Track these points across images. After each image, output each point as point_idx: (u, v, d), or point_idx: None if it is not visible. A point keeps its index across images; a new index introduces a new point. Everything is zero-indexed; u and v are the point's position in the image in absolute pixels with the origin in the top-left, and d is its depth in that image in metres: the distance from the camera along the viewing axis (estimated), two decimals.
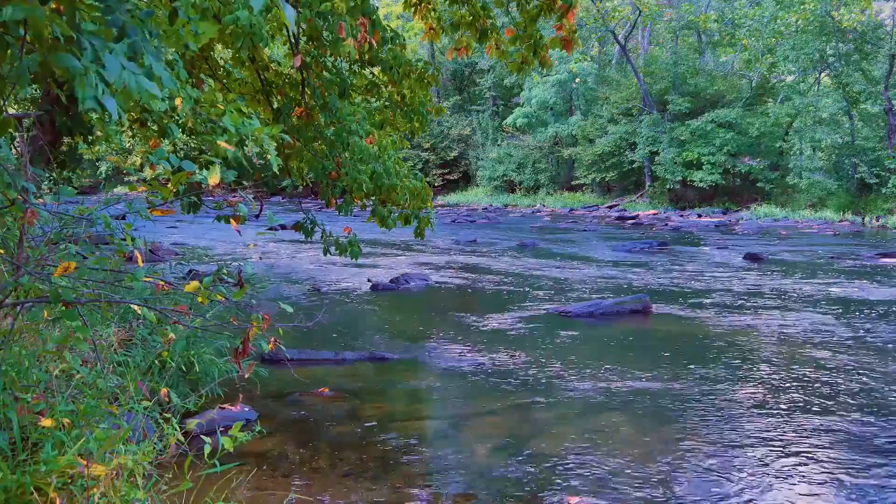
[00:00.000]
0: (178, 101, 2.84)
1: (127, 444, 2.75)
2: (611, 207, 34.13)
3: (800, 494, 3.54)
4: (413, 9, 6.09)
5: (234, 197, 2.74)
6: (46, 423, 2.55)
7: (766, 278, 11.40)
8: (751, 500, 3.47)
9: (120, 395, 3.43)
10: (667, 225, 25.28)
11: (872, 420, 4.66)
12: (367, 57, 5.60)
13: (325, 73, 5.57)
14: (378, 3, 44.70)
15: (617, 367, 5.99)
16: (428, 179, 27.58)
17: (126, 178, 46.52)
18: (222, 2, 3.53)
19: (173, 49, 2.53)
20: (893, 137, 26.63)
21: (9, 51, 1.73)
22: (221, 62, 6.85)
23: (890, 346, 6.76)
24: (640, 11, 34.84)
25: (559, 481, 3.69)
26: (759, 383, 5.51)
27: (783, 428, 4.51)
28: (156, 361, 4.43)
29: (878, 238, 19.66)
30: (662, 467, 3.86)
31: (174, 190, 2.43)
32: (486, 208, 35.85)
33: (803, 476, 3.76)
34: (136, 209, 2.62)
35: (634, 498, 3.49)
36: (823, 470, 3.85)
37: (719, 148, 31.10)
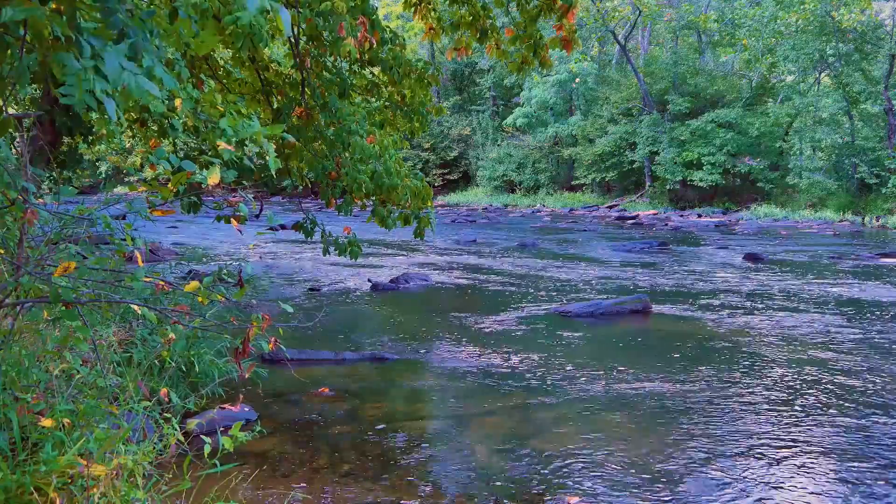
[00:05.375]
0: (177, 103, 2.84)
1: (127, 444, 2.75)
2: (611, 207, 34.13)
3: (800, 494, 3.54)
4: (413, 9, 6.09)
5: (235, 197, 2.74)
6: (46, 423, 2.55)
7: (766, 278, 11.40)
8: (751, 500, 3.47)
9: (120, 395, 3.43)
10: (667, 225, 25.28)
11: (873, 420, 4.66)
12: (367, 57, 5.60)
13: (325, 73, 5.57)
14: (378, 4, 44.70)
15: (617, 367, 5.99)
16: (428, 179, 27.56)
17: (126, 178, 46.52)
18: (222, 2, 3.53)
19: (174, 48, 2.54)
20: (893, 137, 26.63)
21: (9, 51, 1.73)
22: (221, 62, 6.85)
23: (890, 346, 6.76)
24: (640, 11, 34.85)
25: (559, 481, 3.69)
26: (759, 383, 5.51)
27: (783, 427, 4.51)
28: (156, 361, 4.43)
29: (878, 238, 19.66)
30: (663, 467, 3.86)
31: (174, 190, 2.43)
32: (486, 208, 35.85)
33: (803, 476, 3.76)
34: (136, 209, 2.62)
35: (634, 498, 3.49)
36: (823, 469, 3.85)
37: (719, 148, 31.11)
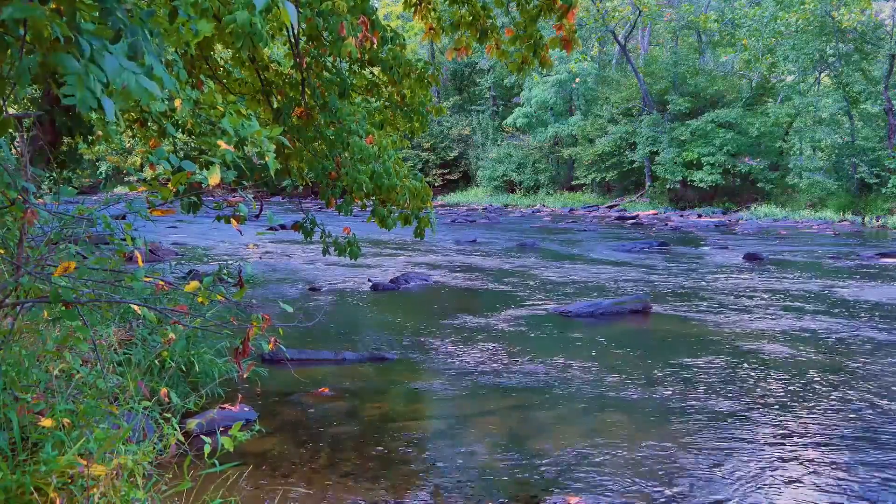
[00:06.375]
0: (177, 103, 2.84)
1: (127, 444, 2.75)
2: (611, 207, 34.13)
3: (799, 494, 3.54)
4: (413, 9, 6.09)
5: (234, 197, 2.74)
6: (46, 423, 2.55)
7: (766, 278, 11.40)
8: (750, 500, 3.47)
9: (120, 395, 3.43)
10: (667, 225, 25.28)
11: (872, 420, 4.66)
12: (367, 57, 5.60)
13: (325, 73, 5.57)
14: (378, 4, 44.74)
15: (617, 367, 5.99)
16: (428, 179, 27.62)
17: (126, 178, 46.55)
18: (222, 1, 3.53)
19: (173, 49, 2.54)
20: (893, 137, 26.62)
21: (9, 51, 1.73)
22: (221, 62, 6.86)
23: (890, 346, 6.76)
24: (640, 11, 34.84)
25: (559, 481, 3.69)
26: (759, 383, 5.51)
27: (783, 427, 4.51)
28: (156, 361, 4.43)
29: (878, 238, 19.65)
30: (662, 467, 3.86)
31: (174, 190, 2.43)
32: (486, 208, 35.84)
33: (803, 476, 3.77)
34: (136, 209, 2.62)
35: (634, 498, 3.49)
36: (823, 469, 3.85)
37: (719, 148, 31.11)
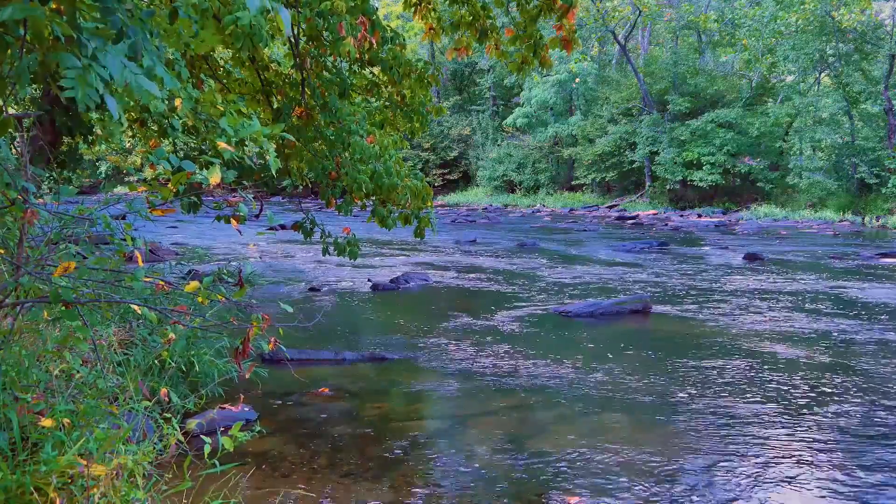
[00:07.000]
0: (177, 102, 2.84)
1: (127, 444, 2.75)
2: (611, 207, 34.14)
3: (799, 494, 3.54)
4: (413, 9, 6.09)
5: (234, 197, 2.74)
6: (46, 423, 2.55)
7: (766, 278, 11.40)
8: (750, 500, 3.47)
9: (120, 395, 3.43)
10: (667, 225, 25.28)
11: (871, 420, 4.66)
12: (367, 57, 5.59)
13: (325, 73, 5.57)
14: (378, 4, 44.74)
15: (617, 367, 5.99)
16: (428, 179, 27.55)
17: (126, 178, 46.56)
18: (222, 2, 3.53)
19: (174, 49, 2.54)
20: (893, 137, 26.63)
21: (9, 51, 1.73)
22: (221, 62, 6.85)
23: (889, 345, 6.76)
24: (640, 11, 34.85)
25: (559, 481, 3.69)
26: (759, 383, 5.51)
27: (782, 427, 4.51)
28: (156, 361, 4.43)
29: (878, 238, 19.65)
30: (662, 467, 3.86)
31: (174, 190, 2.43)
32: (486, 208, 35.85)
33: (803, 476, 3.76)
34: (136, 209, 2.62)
35: (634, 498, 3.49)
36: (822, 469, 3.85)
37: (719, 148, 31.13)
